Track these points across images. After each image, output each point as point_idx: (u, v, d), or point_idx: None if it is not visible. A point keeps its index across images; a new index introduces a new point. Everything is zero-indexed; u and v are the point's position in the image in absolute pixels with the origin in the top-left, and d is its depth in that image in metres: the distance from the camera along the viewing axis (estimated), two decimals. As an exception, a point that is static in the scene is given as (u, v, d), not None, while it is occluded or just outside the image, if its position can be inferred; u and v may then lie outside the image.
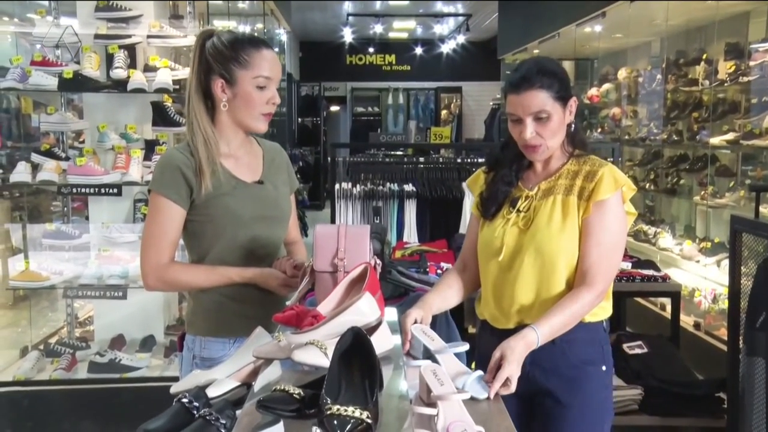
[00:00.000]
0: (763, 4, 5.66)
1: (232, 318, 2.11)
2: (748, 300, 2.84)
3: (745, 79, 5.47)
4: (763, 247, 2.76)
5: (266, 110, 2.07)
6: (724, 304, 3.56)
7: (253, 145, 2.21)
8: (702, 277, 5.37)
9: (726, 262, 4.02)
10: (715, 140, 5.71)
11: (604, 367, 2.09)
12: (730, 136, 5.56)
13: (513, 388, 1.72)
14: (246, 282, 2.09)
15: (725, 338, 3.07)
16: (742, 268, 2.92)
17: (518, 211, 2.07)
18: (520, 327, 1.96)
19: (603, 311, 2.08)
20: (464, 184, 4.05)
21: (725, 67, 5.74)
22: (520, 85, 1.98)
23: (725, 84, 5.73)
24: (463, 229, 3.92)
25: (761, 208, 3.09)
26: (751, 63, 5.39)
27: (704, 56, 6.14)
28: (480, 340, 2.21)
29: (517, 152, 2.08)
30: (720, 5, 5.70)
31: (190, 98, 2.08)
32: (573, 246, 2.00)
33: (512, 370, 1.73)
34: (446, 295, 2.13)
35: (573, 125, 2.06)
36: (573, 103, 2.04)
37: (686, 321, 5.05)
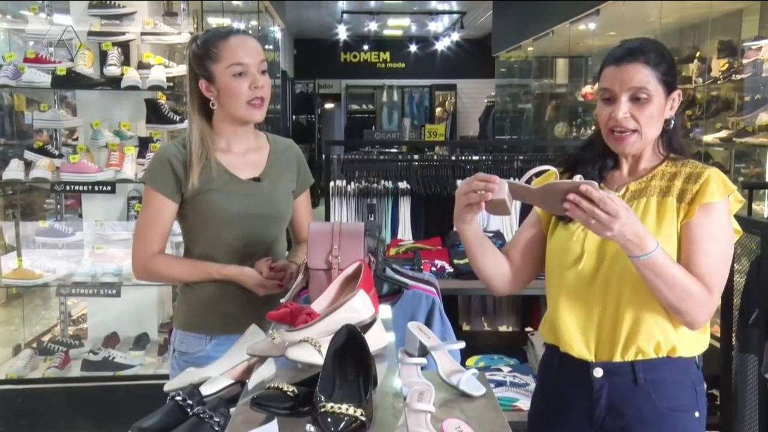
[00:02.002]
0: (756, 2, 5.67)
1: (212, 315, 2.12)
2: (741, 297, 2.85)
3: (738, 76, 5.48)
4: (755, 245, 2.77)
5: (251, 97, 2.05)
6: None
7: (259, 141, 2.21)
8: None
9: (719, 260, 4.03)
10: (708, 138, 5.72)
11: (697, 414, 1.76)
12: (724, 133, 5.58)
13: (599, 216, 1.51)
14: (225, 279, 2.09)
15: (718, 335, 3.08)
16: (735, 265, 2.93)
17: None
18: (602, 364, 1.75)
19: (699, 344, 1.78)
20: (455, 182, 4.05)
21: (718, 65, 5.75)
22: (623, 57, 1.70)
23: (718, 82, 5.75)
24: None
25: (754, 206, 3.10)
26: (744, 61, 5.41)
27: (698, 54, 6.15)
28: (546, 371, 1.94)
29: (601, 151, 1.81)
30: (713, 3, 5.71)
31: (188, 102, 2.12)
32: (670, 253, 1.67)
33: (618, 216, 1.50)
34: (493, 248, 1.85)
35: (672, 123, 1.77)
36: (677, 96, 1.75)
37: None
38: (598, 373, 1.76)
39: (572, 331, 1.79)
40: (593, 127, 1.84)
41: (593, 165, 1.83)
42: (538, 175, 1.71)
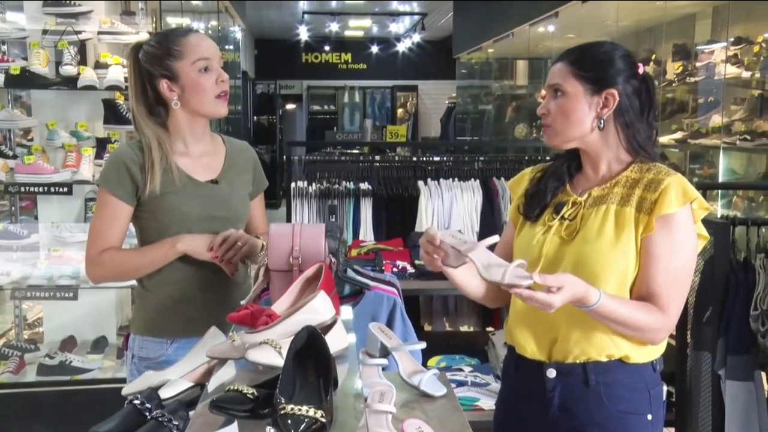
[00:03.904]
0: (708, 5, 5.81)
1: (172, 318, 2.10)
2: (695, 296, 2.91)
3: (692, 79, 5.61)
4: (708, 244, 2.82)
5: (218, 91, 2.05)
6: (672, 300, 3.64)
7: (215, 144, 2.19)
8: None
9: (674, 259, 4.12)
10: (664, 139, 5.84)
11: (649, 416, 1.76)
12: (679, 135, 5.70)
13: (536, 302, 1.53)
14: (176, 253, 2.03)
15: (674, 333, 3.15)
16: (690, 264, 2.99)
17: (562, 218, 1.79)
18: (555, 364, 1.77)
19: (654, 350, 1.77)
20: (422, 183, 4.07)
21: (673, 68, 5.88)
22: (555, 59, 1.82)
23: (673, 84, 5.87)
24: (419, 228, 3.94)
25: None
26: (698, 64, 5.54)
27: (653, 57, 6.28)
28: (506, 373, 1.96)
29: (573, 152, 1.84)
30: (668, 6, 5.84)
31: (134, 112, 2.07)
32: (626, 264, 1.70)
33: (553, 301, 1.52)
34: (473, 276, 1.78)
35: (602, 123, 1.75)
36: (610, 96, 1.73)
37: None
38: (552, 373, 1.78)
39: (526, 334, 1.82)
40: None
41: (563, 163, 1.87)
42: (492, 247, 1.69)
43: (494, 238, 1.65)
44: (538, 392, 1.80)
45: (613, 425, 1.74)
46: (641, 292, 1.70)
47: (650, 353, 1.77)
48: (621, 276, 1.70)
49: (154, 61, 2.03)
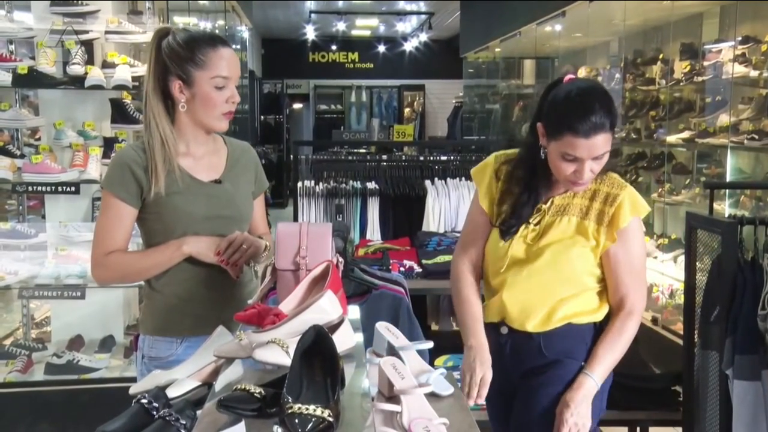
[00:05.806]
0: (716, 5, 5.78)
1: (180, 317, 2.10)
2: (702, 295, 2.90)
3: (700, 78, 5.58)
4: (717, 243, 2.82)
5: (226, 109, 2.05)
6: (680, 299, 3.63)
7: (217, 144, 2.19)
8: (660, 273, 5.47)
9: (682, 258, 4.11)
10: (671, 138, 5.82)
11: (584, 363, 2.06)
12: (686, 134, 5.68)
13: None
14: (181, 255, 2.04)
15: (681, 332, 3.14)
16: (697, 263, 2.98)
17: (527, 223, 2.05)
18: (502, 323, 2.11)
19: (597, 315, 2.08)
20: (424, 182, 4.07)
21: (681, 67, 5.85)
22: (590, 131, 1.87)
23: (681, 83, 5.85)
24: (426, 227, 3.94)
25: (715, 205, 3.16)
26: (705, 63, 5.51)
27: (661, 56, 6.25)
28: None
29: (542, 173, 2.03)
30: (675, 5, 5.81)
31: (148, 98, 2.05)
32: (582, 266, 2.02)
33: (572, 421, 1.93)
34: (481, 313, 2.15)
35: None
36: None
37: (644, 316, 5.13)
38: (504, 330, 2.12)
39: (489, 304, 2.15)
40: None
41: (535, 186, 2.03)
42: None
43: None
44: (495, 346, 2.11)
45: (553, 366, 2.05)
46: (615, 297, 2.05)
47: (589, 317, 2.07)
48: (577, 277, 2.03)
49: (175, 60, 2.02)
